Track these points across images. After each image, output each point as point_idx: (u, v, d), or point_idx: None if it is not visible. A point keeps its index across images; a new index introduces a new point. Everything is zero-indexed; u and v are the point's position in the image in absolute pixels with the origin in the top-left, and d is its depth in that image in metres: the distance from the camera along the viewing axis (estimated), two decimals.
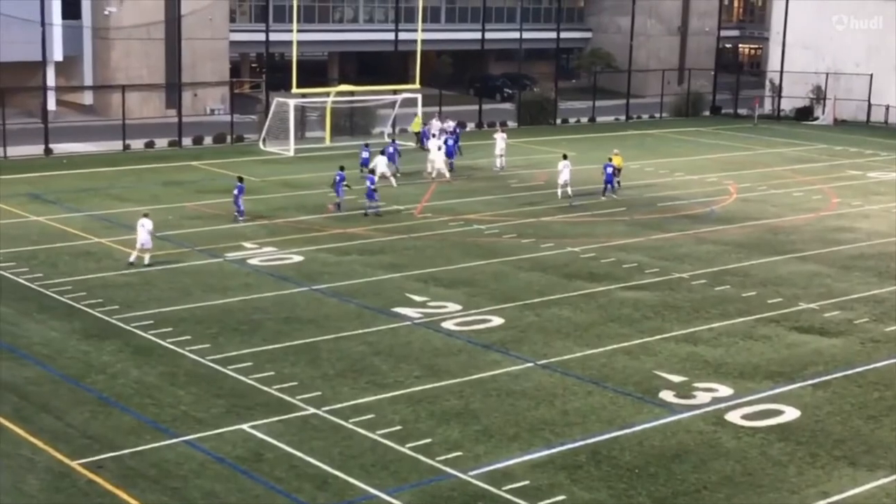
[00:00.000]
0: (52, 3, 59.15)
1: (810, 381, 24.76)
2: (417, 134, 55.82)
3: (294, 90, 55.77)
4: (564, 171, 43.17)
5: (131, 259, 32.71)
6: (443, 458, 20.23)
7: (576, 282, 32.27)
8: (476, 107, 67.87)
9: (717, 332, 28.10)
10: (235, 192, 38.68)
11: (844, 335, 28.11)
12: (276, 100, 56.24)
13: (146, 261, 32.61)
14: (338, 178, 40.28)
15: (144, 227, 32.75)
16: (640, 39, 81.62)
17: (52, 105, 60.61)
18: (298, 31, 56.72)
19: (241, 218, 38.43)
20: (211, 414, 21.95)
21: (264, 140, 56.19)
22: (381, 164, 44.42)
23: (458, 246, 35.90)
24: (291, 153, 53.83)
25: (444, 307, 29.49)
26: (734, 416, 22.64)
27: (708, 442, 21.38)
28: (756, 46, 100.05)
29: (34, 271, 31.76)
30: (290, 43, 57.07)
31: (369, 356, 25.62)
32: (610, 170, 43.62)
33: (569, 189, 42.95)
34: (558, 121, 69.18)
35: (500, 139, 50.91)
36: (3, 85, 56.57)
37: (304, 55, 61.69)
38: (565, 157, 44.01)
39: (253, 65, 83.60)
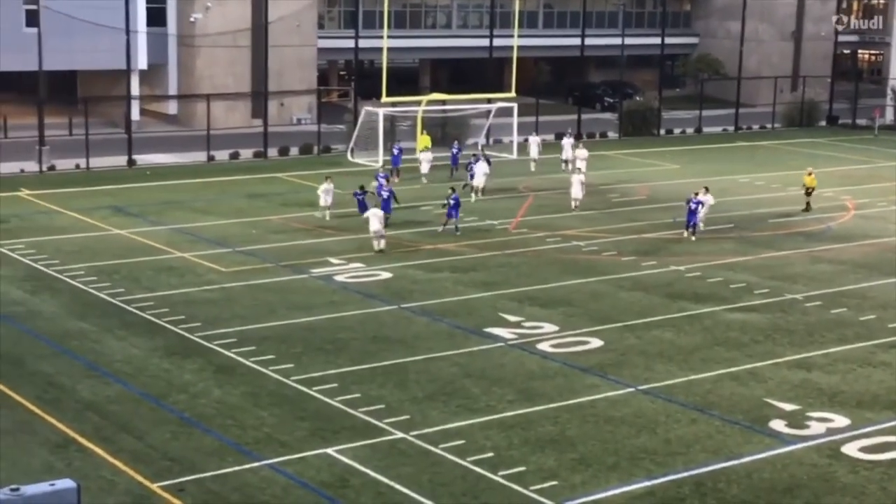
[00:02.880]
0: (137, 10, 60.39)
1: None
2: (425, 149, 53.09)
3: (384, 99, 56.19)
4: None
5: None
6: (537, 487, 20.16)
7: (679, 302, 31.99)
8: (575, 116, 67.70)
9: (832, 357, 27.62)
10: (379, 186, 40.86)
11: None
12: (365, 109, 56.68)
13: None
14: (452, 201, 39.53)
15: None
16: (751, 45, 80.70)
17: (135, 115, 61.91)
18: (389, 37, 57.18)
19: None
20: (295, 437, 22.16)
21: (352, 151, 56.67)
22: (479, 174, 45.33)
23: (555, 263, 35.80)
24: (380, 164, 54.16)
25: (540, 328, 29.43)
26: (851, 449, 22.21)
27: (822, 476, 21.00)
28: (877, 52, 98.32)
29: (116, 286, 32.42)
30: (379, 50, 57.55)
31: (460, 378, 25.66)
32: (694, 206, 39.58)
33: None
34: (662, 131, 68.69)
35: (533, 143, 53.84)
36: (86, 94, 58.09)
37: (394, 62, 62.26)
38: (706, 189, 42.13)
39: (341, 72, 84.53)
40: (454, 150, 50.79)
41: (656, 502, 19.74)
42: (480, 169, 45.77)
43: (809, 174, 45.57)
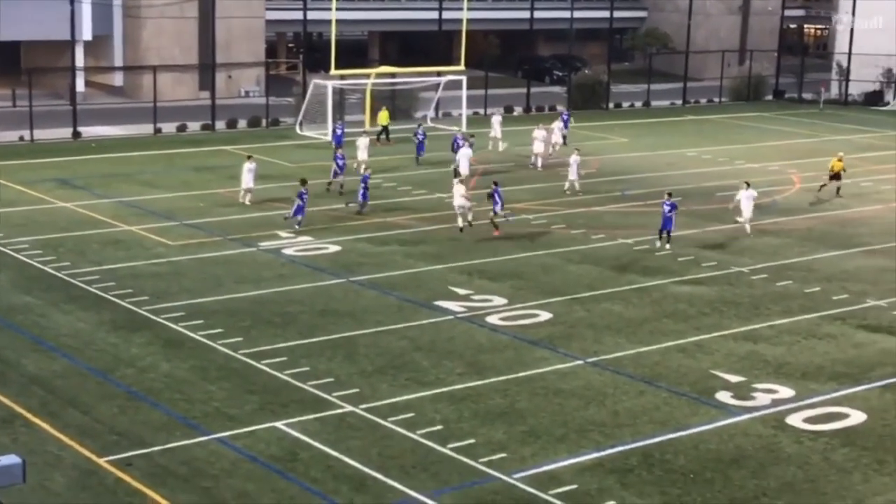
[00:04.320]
0: None
1: (878, 383, 24.54)
2: (385, 127, 53.26)
3: (332, 72, 55.89)
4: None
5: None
6: (486, 459, 20.25)
7: (628, 275, 32.16)
8: (524, 90, 67.70)
9: (778, 329, 27.91)
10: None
11: None
12: (314, 82, 56.42)
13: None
14: (494, 193, 36.17)
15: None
16: (699, 19, 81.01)
17: (80, 86, 61.25)
18: (338, 9, 56.80)
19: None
20: (244, 411, 22.09)
21: (301, 124, 56.39)
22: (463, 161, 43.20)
23: (504, 236, 35.85)
24: (330, 138, 53.92)
25: (489, 301, 29.50)
26: (796, 420, 22.48)
27: (767, 446, 21.25)
28: (823, 27, 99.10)
29: (62, 260, 32.10)
30: (328, 22, 57.14)
31: (410, 352, 25.69)
32: (669, 209, 34.80)
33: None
34: (611, 105, 68.88)
35: (496, 122, 52.25)
36: (30, 65, 57.31)
37: (343, 35, 61.83)
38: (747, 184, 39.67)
39: (290, 45, 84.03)
40: (419, 137, 48.08)
41: (605, 473, 19.89)
42: (465, 154, 43.51)
43: (840, 159, 44.11)
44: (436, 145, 49.09)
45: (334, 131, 49.05)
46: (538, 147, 47.79)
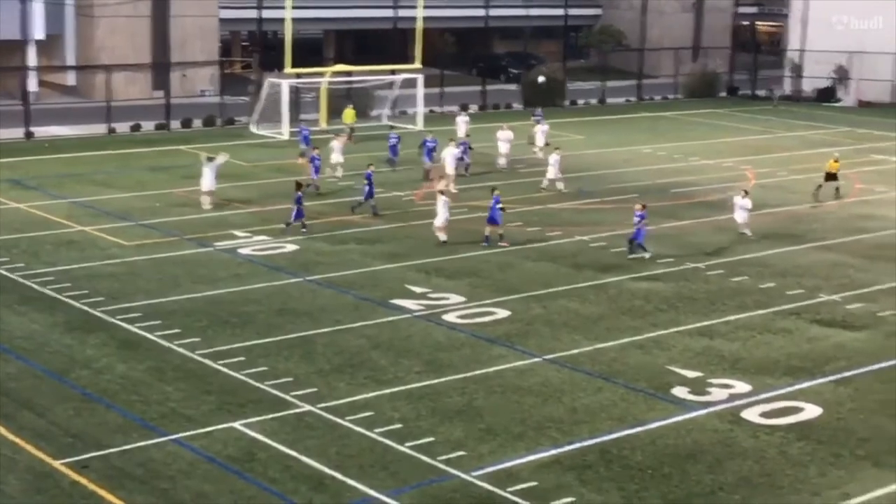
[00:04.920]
0: None
1: (832, 377, 24.77)
2: (350, 128, 52.94)
3: (287, 70, 55.72)
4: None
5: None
6: (445, 457, 20.26)
7: (585, 272, 32.28)
8: (479, 88, 67.77)
9: (733, 325, 28.12)
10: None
11: (868, 329, 28.12)
12: (269, 80, 56.21)
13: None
14: (494, 202, 35.00)
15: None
16: (653, 16, 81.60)
17: (33, 86, 60.69)
18: (292, 7, 56.59)
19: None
20: (201, 411, 21.98)
21: (256, 123, 56.16)
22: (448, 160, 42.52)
23: (461, 234, 35.87)
24: (285, 136, 53.81)
25: (447, 299, 29.51)
26: (752, 414, 22.65)
27: (724, 441, 21.40)
28: (776, 24, 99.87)
29: (15, 261, 31.79)
30: (283, 20, 56.97)
31: (367, 350, 25.65)
32: (638, 219, 33.74)
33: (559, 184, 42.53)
34: (567, 102, 69.09)
35: (461, 122, 51.36)
36: None
37: (298, 33, 61.62)
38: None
39: (244, 43, 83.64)
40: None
41: (563, 470, 19.96)
42: (450, 153, 42.80)
43: (836, 160, 43.91)
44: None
45: (301, 132, 48.45)
46: (503, 147, 47.37)
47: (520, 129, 51.59)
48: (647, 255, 33.40)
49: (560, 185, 42.55)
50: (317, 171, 41.36)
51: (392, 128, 47.84)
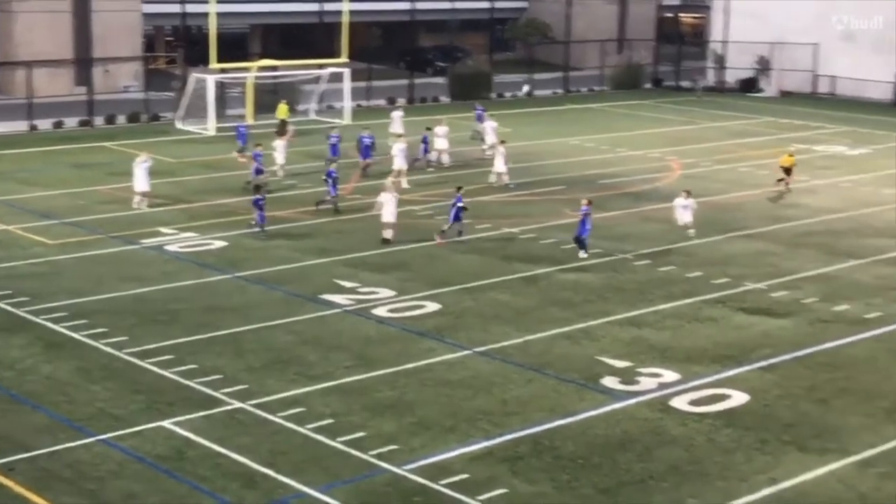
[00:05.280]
0: None
1: (758, 364, 25.11)
2: (283, 121, 52.73)
3: (213, 65, 55.25)
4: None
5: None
6: (376, 452, 20.25)
7: (514, 264, 32.40)
8: (407, 81, 67.73)
9: (662, 314, 28.38)
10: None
11: (793, 316, 28.53)
12: (194, 76, 55.72)
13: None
14: (456, 202, 34.64)
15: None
16: (578, 9, 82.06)
17: None
18: (217, 1, 56.12)
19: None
20: (129, 411, 21.75)
21: (182, 119, 55.65)
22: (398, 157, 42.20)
23: (403, 230, 35.82)
24: (211, 132, 53.41)
25: (376, 293, 29.47)
26: (680, 402, 22.89)
27: (653, 430, 21.61)
28: (699, 16, 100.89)
29: None
30: (207, 15, 56.48)
31: (297, 346, 25.55)
32: (583, 213, 32.99)
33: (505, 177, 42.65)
34: (493, 95, 69.26)
35: (397, 118, 50.67)
36: None
37: (223, 28, 61.08)
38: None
39: (168, 38, 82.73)
40: (333, 139, 45.35)
41: (495, 462, 20.03)
42: (399, 148, 42.50)
43: (791, 154, 43.94)
44: (318, 139, 48.82)
45: (238, 130, 47.68)
46: (441, 143, 46.81)
47: (450, 123, 51.57)
48: (583, 255, 33.01)
49: (506, 179, 42.59)
50: (261, 168, 40.61)
51: (333, 127, 46.94)
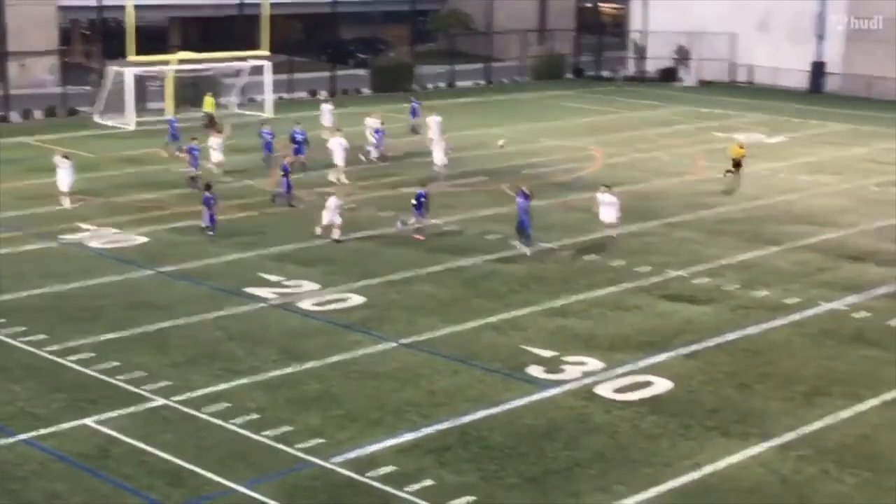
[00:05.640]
0: None
1: (681, 351, 25.40)
2: (209, 115, 52.40)
3: (131, 58, 54.56)
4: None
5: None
6: (303, 445, 20.17)
7: (439, 255, 32.42)
8: (329, 73, 67.42)
9: (586, 303, 28.58)
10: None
11: (714, 302, 28.89)
12: (112, 69, 55.00)
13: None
14: (419, 196, 34.33)
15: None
16: (499, 0, 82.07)
17: None
18: None
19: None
20: (51, 409, 21.45)
21: (101, 113, 54.90)
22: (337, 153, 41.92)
23: (313, 221, 35.68)
24: (131, 127, 52.79)
25: (301, 286, 29.36)
26: (605, 390, 23.08)
27: (579, 418, 21.76)
28: (618, 6, 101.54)
29: None
30: (124, 7, 55.75)
31: (222, 341, 25.37)
32: (523, 201, 33.00)
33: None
34: (416, 86, 69.19)
35: (326, 111, 50.43)
36: None
37: (141, 21, 60.35)
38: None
39: (85, 31, 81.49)
40: (268, 138, 44.17)
41: (422, 453, 20.04)
42: (339, 143, 42.04)
43: (740, 146, 43.84)
44: (242, 132, 48.45)
45: (170, 125, 46.78)
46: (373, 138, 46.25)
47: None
48: (517, 245, 32.91)
49: (444, 171, 42.57)
50: (195, 162, 40.10)
51: (264, 123, 45.99)
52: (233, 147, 46.02)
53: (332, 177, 40.42)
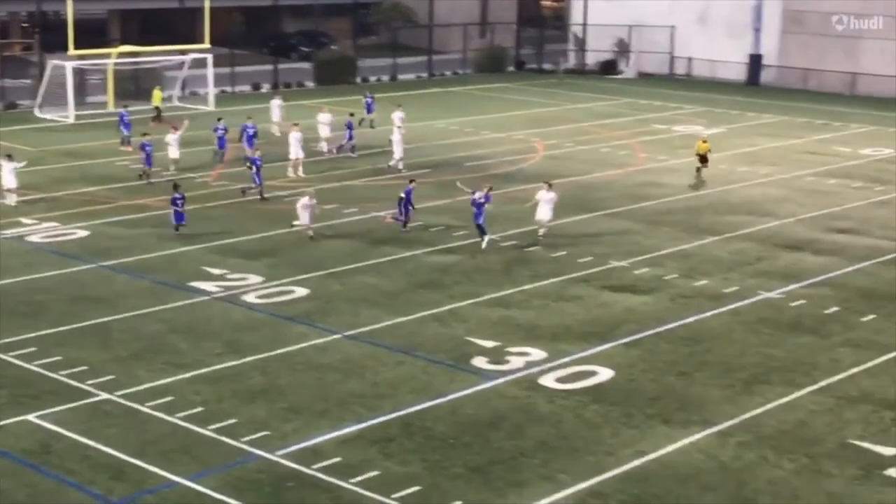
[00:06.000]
0: None
1: (623, 340, 25.57)
2: (157, 109, 52.12)
3: (71, 52, 53.94)
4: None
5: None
6: (248, 438, 20.09)
7: (382, 248, 32.38)
8: (271, 67, 67.06)
9: (528, 294, 28.68)
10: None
11: (655, 292, 29.11)
12: (52, 62, 54.35)
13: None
14: (406, 192, 34.05)
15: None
16: None
17: None
18: None
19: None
20: None
21: (40, 106, 54.24)
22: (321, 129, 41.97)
23: (257, 214, 35.54)
24: (71, 120, 52.21)
25: (245, 279, 29.21)
26: (548, 380, 23.19)
27: (522, 407, 21.84)
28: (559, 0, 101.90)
29: None
30: (64, 0, 55.08)
31: (166, 334, 25.18)
32: (479, 195, 32.63)
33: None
34: (358, 79, 69.00)
35: (275, 107, 49.90)
36: None
37: (80, 14, 59.66)
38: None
39: (24, 24, 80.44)
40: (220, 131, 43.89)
41: (367, 444, 20.04)
42: (295, 138, 41.55)
43: (704, 141, 43.63)
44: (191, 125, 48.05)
45: (121, 118, 46.11)
46: (324, 131, 45.86)
47: (315, 110, 51.29)
48: (484, 240, 32.46)
49: (401, 165, 42.53)
50: (148, 158, 39.45)
51: (219, 119, 45.23)
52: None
53: (290, 171, 40.19)
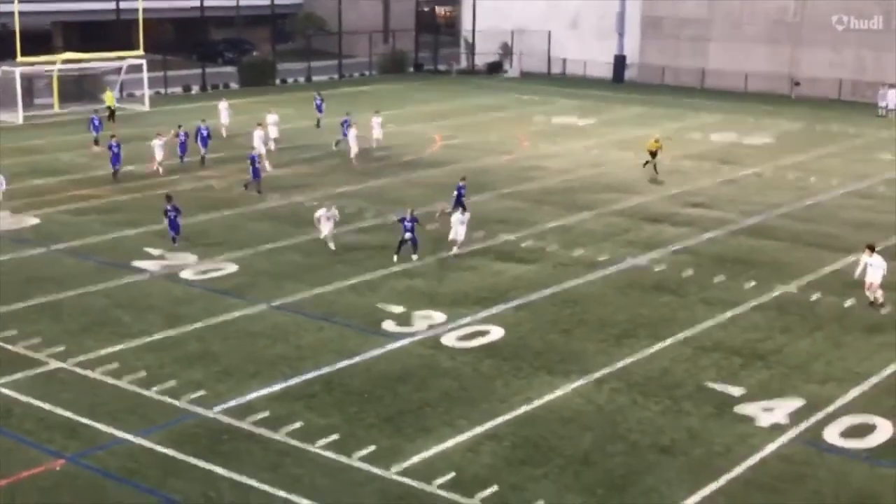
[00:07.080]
0: None
1: (512, 304, 25.76)
2: (110, 108, 50.63)
3: (19, 59, 52.51)
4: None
5: None
6: (188, 398, 19.89)
7: (303, 228, 32.13)
8: (199, 71, 66.03)
9: (431, 266, 28.71)
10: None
11: (539, 261, 29.35)
12: (1, 69, 52.85)
13: None
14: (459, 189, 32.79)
15: None
16: (349, 3, 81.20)
17: None
18: (20, 1, 53.31)
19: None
20: None
21: None
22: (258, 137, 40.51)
23: (192, 201, 34.98)
24: (19, 121, 50.88)
25: (181, 259, 28.79)
26: (449, 340, 23.29)
27: (427, 364, 21.92)
28: (451, 9, 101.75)
29: None
30: (11, 13, 53.58)
31: (112, 309, 24.76)
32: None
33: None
34: (278, 81, 68.26)
35: (223, 109, 48.35)
36: None
37: (26, 25, 58.02)
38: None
39: None
40: (182, 136, 41.36)
41: (292, 400, 19.97)
42: (258, 136, 40.61)
43: (656, 140, 41.65)
44: (126, 123, 47.13)
45: (91, 121, 44.41)
46: (272, 131, 44.40)
47: (241, 108, 50.67)
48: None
49: (375, 145, 43.00)
50: (116, 158, 38.18)
51: (180, 126, 43.76)
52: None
53: (267, 165, 39.37)
